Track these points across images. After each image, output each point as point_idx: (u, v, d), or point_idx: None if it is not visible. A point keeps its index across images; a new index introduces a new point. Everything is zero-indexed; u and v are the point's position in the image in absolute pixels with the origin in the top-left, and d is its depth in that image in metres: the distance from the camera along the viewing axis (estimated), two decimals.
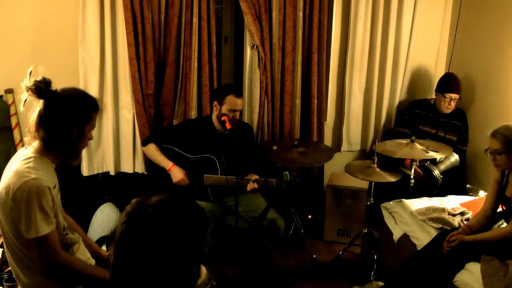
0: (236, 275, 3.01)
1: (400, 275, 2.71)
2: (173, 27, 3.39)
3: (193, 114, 3.54)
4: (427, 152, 3.02)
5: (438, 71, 4.00)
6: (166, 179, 3.03)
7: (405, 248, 2.84)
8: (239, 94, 3.10)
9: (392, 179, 2.94)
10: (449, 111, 3.61)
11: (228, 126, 2.96)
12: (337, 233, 3.70)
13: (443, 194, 3.26)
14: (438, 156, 3.08)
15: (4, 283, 2.08)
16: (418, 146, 3.09)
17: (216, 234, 2.12)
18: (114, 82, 3.45)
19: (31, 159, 1.78)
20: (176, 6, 3.34)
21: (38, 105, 1.77)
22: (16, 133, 3.38)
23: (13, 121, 3.37)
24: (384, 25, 3.71)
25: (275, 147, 3.37)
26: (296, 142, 3.40)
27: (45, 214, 1.72)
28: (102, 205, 2.88)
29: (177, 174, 3.00)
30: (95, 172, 3.61)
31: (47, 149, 1.81)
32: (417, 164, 3.29)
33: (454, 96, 3.53)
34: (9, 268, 1.93)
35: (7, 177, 1.76)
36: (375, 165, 3.02)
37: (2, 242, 2.15)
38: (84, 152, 3.37)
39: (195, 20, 3.37)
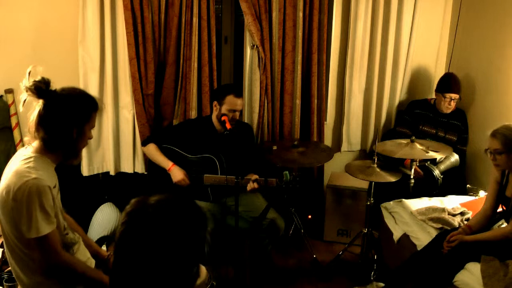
0: (236, 275, 3.01)
1: (400, 275, 2.70)
2: (173, 27, 3.39)
3: (193, 114, 3.54)
4: (427, 152, 3.02)
5: (438, 71, 4.00)
6: (166, 179, 3.03)
7: (405, 248, 2.84)
8: (239, 94, 3.10)
9: (392, 179, 2.94)
10: (449, 111, 3.61)
11: (228, 126, 2.95)
12: (337, 233, 3.70)
13: (443, 194, 3.26)
14: (438, 156, 3.08)
15: (4, 283, 2.08)
16: (418, 146, 3.09)
17: (216, 234, 2.12)
18: (114, 82, 3.45)
19: (31, 159, 1.77)
20: (176, 6, 3.34)
21: (37, 105, 1.77)
22: (16, 133, 3.38)
23: (13, 121, 3.37)
24: (384, 25, 3.71)
25: (275, 147, 3.37)
26: (296, 142, 3.40)
27: (46, 213, 1.72)
28: (102, 205, 2.87)
29: (177, 174, 3.00)
30: (95, 172, 3.61)
31: (47, 149, 1.81)
32: (417, 164, 3.30)
33: (454, 96, 3.53)
34: (9, 268, 1.93)
35: (7, 177, 1.76)
36: (375, 165, 3.02)
37: (2, 242, 2.15)
38: (84, 152, 3.38)
39: (195, 20, 3.37)
